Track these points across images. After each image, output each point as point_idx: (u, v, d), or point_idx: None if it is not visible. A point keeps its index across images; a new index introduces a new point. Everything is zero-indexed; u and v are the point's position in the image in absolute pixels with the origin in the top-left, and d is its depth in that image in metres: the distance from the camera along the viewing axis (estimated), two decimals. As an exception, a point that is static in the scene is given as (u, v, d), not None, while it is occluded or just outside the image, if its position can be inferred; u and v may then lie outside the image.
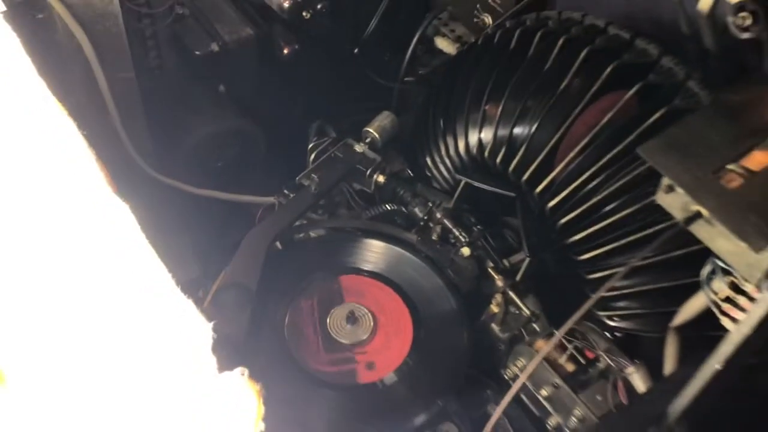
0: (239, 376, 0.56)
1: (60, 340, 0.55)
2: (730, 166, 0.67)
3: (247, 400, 0.56)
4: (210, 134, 1.42)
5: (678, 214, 0.69)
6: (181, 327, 0.57)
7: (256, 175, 1.50)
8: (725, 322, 0.75)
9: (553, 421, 0.98)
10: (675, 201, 0.68)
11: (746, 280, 0.69)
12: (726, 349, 0.71)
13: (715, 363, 0.74)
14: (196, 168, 1.40)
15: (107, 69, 1.18)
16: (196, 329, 0.57)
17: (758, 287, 0.66)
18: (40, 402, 0.53)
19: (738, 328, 0.69)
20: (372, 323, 1.04)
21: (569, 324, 0.74)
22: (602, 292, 0.74)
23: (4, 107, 0.70)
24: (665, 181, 0.68)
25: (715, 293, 0.75)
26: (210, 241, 1.38)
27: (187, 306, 0.58)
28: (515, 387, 0.83)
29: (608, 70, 1.03)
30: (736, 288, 0.72)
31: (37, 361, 0.54)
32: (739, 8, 0.87)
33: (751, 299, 0.70)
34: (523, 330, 1.05)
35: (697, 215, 0.67)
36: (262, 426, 0.56)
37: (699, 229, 0.68)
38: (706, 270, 0.76)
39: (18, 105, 0.71)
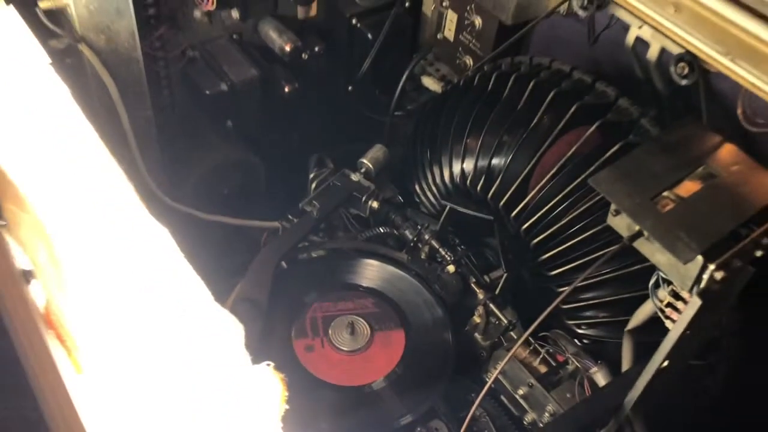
0: (267, 367, 0.69)
1: (123, 338, 0.68)
2: (665, 193, 0.81)
3: (274, 386, 0.69)
4: (217, 165, 1.55)
5: (624, 233, 0.83)
6: (221, 328, 0.70)
7: (257, 202, 1.63)
8: (668, 324, 0.88)
9: (529, 417, 1.11)
10: (621, 222, 0.83)
11: (681, 288, 0.83)
12: (667, 345, 0.85)
13: (659, 359, 0.88)
14: (203, 196, 1.54)
15: (129, 108, 1.32)
16: (233, 330, 0.70)
17: (689, 293, 0.80)
18: (108, 387, 0.66)
19: (675, 327, 0.84)
20: (369, 333, 1.18)
21: (536, 324, 0.87)
22: (564, 296, 0.88)
23: (63, 149, 0.83)
24: (612, 206, 0.82)
25: (660, 300, 0.89)
26: (216, 263, 1.51)
27: (223, 312, 0.71)
28: (492, 379, 0.96)
29: (572, 109, 1.18)
30: (675, 295, 0.86)
31: (105, 355, 0.67)
32: (678, 59, 1.03)
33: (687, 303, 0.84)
34: (502, 337, 1.19)
35: (639, 234, 0.81)
36: (286, 406, 0.69)
37: (641, 246, 0.82)
38: (652, 281, 0.90)
39: (73, 149, 0.84)
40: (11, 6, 1.06)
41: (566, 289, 0.88)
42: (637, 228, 0.81)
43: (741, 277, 0.80)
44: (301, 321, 1.18)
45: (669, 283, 0.87)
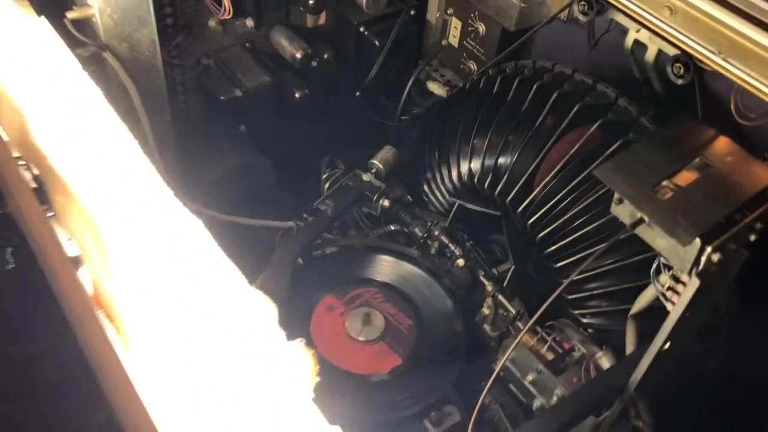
0: (300, 343, 0.75)
1: (165, 316, 0.73)
2: (664, 183, 0.87)
3: (306, 359, 0.74)
4: (231, 168, 1.61)
5: (626, 221, 0.88)
6: (256, 307, 0.75)
7: (267, 204, 1.68)
8: (669, 306, 0.94)
9: (537, 402, 1.17)
10: (624, 210, 0.88)
11: (680, 271, 0.88)
12: (668, 326, 0.91)
13: (660, 339, 0.94)
14: (216, 198, 1.59)
15: (149, 113, 1.38)
16: (267, 309, 0.76)
17: (688, 275, 0.86)
18: (153, 361, 0.71)
19: (675, 308, 0.89)
20: (383, 323, 1.23)
21: (542, 310, 0.93)
22: (568, 282, 0.93)
23: (102, 147, 0.89)
24: (615, 195, 0.88)
25: (662, 285, 0.95)
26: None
27: (260, 295, 0.77)
28: (500, 364, 1.02)
29: (574, 109, 1.24)
30: (675, 279, 0.92)
31: (150, 332, 0.73)
32: (675, 60, 1.09)
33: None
34: (510, 327, 1.25)
35: (641, 221, 0.87)
36: (317, 378, 0.75)
37: (642, 232, 0.88)
38: (653, 267, 0.96)
39: (110, 146, 0.90)
40: (43, 17, 1.13)
41: (571, 276, 0.94)
42: (638, 215, 0.86)
43: (736, 260, 0.86)
44: (318, 314, 1.24)
45: (669, 268, 0.92)
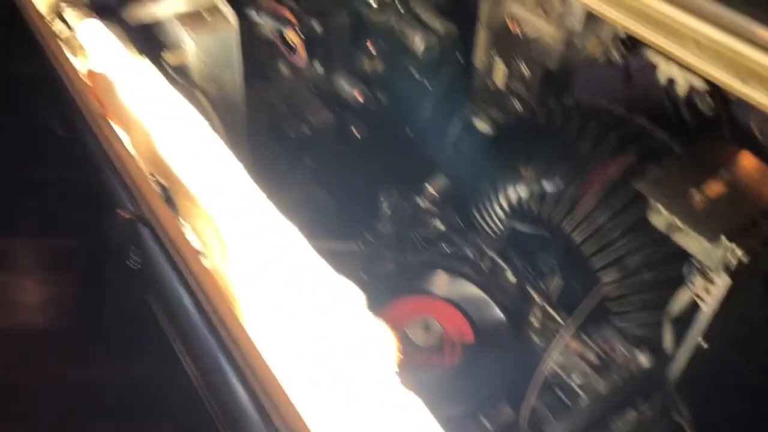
0: (384, 323, 0.89)
1: (274, 298, 0.88)
2: (695, 193, 1.00)
3: (390, 337, 0.88)
4: (298, 200, 1.77)
5: (662, 227, 1.01)
6: (348, 293, 0.90)
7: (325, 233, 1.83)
8: (703, 306, 1.05)
9: (583, 402, 1.27)
10: (660, 219, 1.01)
11: (712, 270, 1.00)
12: (702, 321, 1.03)
13: (695, 335, 1.05)
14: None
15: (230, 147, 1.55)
16: (358, 294, 0.90)
17: (717, 273, 0.98)
18: (264, 337, 0.86)
19: (709, 304, 1.01)
20: (441, 332, 1.36)
21: (581, 313, 1.05)
22: (599, 293, 1.06)
23: (213, 162, 1.05)
24: (653, 204, 1.01)
25: (696, 287, 1.06)
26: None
27: (348, 281, 0.91)
28: (546, 362, 1.13)
29: (613, 139, 1.38)
30: (708, 280, 1.03)
31: (262, 312, 0.87)
32: (703, 92, 1.23)
33: (717, 285, 1.02)
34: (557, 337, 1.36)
35: (675, 226, 1.00)
36: (399, 355, 0.88)
37: (677, 236, 1.00)
38: (686, 271, 1.07)
39: (218, 162, 1.06)
40: (146, 58, 1.32)
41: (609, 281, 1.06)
42: (673, 221, 0.99)
43: (762, 261, 0.98)
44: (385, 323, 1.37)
45: (702, 271, 1.04)
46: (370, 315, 0.88)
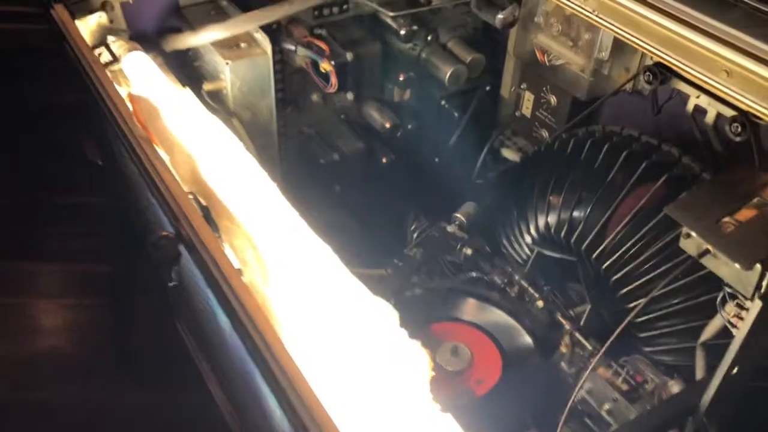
0: (417, 342, 0.90)
1: (312, 315, 0.90)
2: (726, 219, 1.01)
3: (423, 355, 0.89)
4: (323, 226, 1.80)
5: (693, 252, 1.02)
6: (384, 314, 0.91)
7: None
8: (735, 332, 1.05)
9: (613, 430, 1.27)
10: (691, 244, 1.02)
11: (744, 297, 1.00)
12: (735, 346, 1.02)
13: (729, 359, 1.05)
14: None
15: (263, 172, 1.59)
16: (392, 315, 0.92)
17: (751, 299, 0.98)
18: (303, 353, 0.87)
19: (741, 330, 1.01)
20: (470, 356, 1.37)
21: (610, 340, 1.06)
22: (636, 311, 1.06)
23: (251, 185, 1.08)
24: (684, 230, 1.02)
25: (727, 313, 1.06)
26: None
27: (383, 303, 0.93)
28: (577, 391, 1.14)
29: (642, 166, 1.39)
30: (740, 306, 1.04)
31: (300, 329, 0.89)
32: (733, 120, 1.24)
33: (750, 311, 1.02)
34: (587, 364, 1.36)
35: (706, 251, 1.00)
36: (432, 373, 0.89)
37: (708, 262, 1.01)
38: (719, 298, 1.08)
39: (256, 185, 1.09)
40: (187, 88, 1.36)
41: (640, 302, 1.07)
42: (704, 246, 1.00)
43: (795, 287, 0.98)
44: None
45: (734, 297, 1.04)
46: (404, 333, 0.89)
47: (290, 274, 0.92)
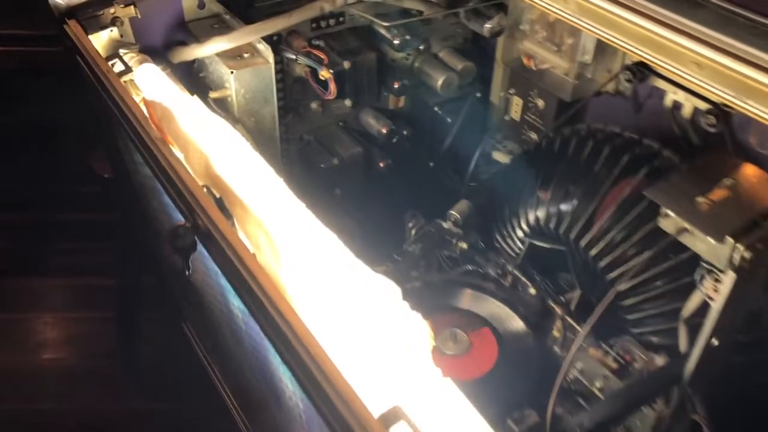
0: (418, 314, 0.98)
1: (321, 292, 0.97)
2: (701, 198, 1.09)
3: (424, 327, 0.97)
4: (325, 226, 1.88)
5: (672, 231, 1.10)
6: (385, 287, 0.99)
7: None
8: (712, 304, 1.13)
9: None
10: (669, 222, 1.10)
11: (719, 270, 1.09)
12: (712, 316, 1.11)
13: (706, 332, 1.13)
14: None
15: (266, 176, 1.67)
16: (393, 288, 0.99)
17: (725, 271, 1.07)
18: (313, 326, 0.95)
19: (717, 301, 1.09)
20: (468, 341, 1.44)
21: (594, 317, 1.14)
22: (613, 295, 1.14)
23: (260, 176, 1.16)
24: (662, 210, 1.11)
25: (706, 288, 1.14)
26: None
27: (385, 278, 1.01)
28: (566, 364, 1.21)
29: (624, 160, 1.48)
30: (716, 280, 1.12)
31: (310, 304, 0.97)
32: (707, 112, 1.33)
33: (725, 284, 1.10)
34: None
35: (684, 229, 1.09)
36: (433, 342, 0.97)
37: (685, 238, 1.09)
38: (697, 275, 1.16)
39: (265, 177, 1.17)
40: (195, 96, 1.45)
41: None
42: (682, 224, 1.08)
43: (764, 259, 1.06)
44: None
45: (711, 272, 1.13)
46: (406, 305, 0.97)
47: (299, 255, 1.00)
